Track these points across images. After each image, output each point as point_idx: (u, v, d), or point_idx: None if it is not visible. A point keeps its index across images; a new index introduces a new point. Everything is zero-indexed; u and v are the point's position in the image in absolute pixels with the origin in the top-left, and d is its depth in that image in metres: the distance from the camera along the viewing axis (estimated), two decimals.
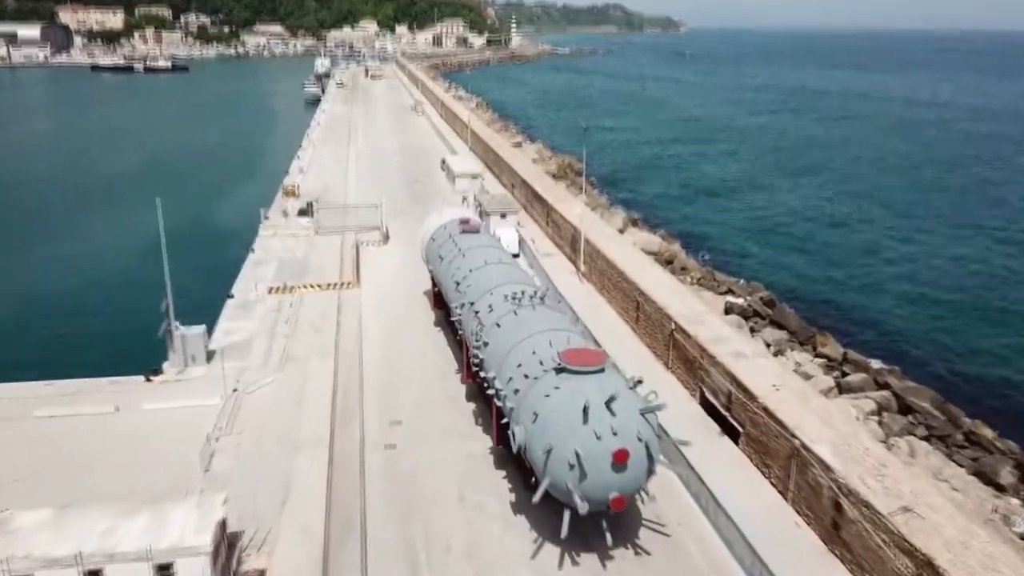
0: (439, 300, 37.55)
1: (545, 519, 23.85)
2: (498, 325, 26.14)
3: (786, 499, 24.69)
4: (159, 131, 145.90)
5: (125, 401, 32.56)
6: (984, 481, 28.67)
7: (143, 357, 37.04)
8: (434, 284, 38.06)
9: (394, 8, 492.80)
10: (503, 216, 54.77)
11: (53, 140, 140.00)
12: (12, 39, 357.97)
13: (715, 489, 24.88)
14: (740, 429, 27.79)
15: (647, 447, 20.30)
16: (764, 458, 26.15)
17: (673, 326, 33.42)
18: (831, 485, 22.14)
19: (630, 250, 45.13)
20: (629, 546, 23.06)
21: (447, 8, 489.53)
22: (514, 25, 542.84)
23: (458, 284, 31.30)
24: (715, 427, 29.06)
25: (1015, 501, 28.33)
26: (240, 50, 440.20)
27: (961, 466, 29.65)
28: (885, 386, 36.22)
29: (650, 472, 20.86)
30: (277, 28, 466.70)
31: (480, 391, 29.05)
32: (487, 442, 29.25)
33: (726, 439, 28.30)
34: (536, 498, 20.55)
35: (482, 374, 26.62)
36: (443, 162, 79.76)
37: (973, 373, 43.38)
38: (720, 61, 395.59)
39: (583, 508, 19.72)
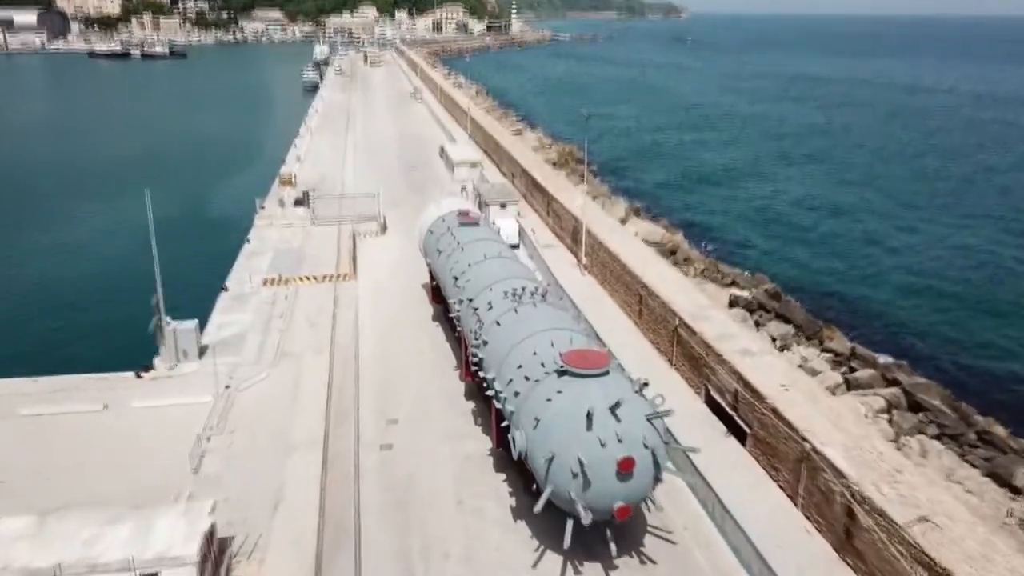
0: (437, 294, 36.60)
1: (546, 525, 23.02)
2: (498, 323, 25.20)
3: (795, 504, 23.84)
4: (154, 119, 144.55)
5: (114, 398, 31.69)
6: (999, 483, 27.81)
7: (134, 353, 36.15)
8: (432, 278, 37.10)
9: None
10: (503, 206, 53.79)
11: (45, 128, 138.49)
12: (8, 25, 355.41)
13: (722, 493, 24.02)
14: (747, 430, 26.91)
15: (654, 454, 19.39)
16: (772, 461, 25.28)
17: (677, 322, 32.50)
18: (843, 491, 21.27)
19: (633, 242, 44.15)
20: (634, 554, 22.22)
21: None
22: (514, 11, 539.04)
23: (456, 279, 30.33)
24: (721, 427, 28.18)
25: None
26: (238, 36, 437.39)
27: (974, 467, 28.77)
28: (894, 382, 35.30)
29: (656, 480, 19.96)
30: (276, 14, 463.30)
31: (479, 390, 28.16)
32: (486, 442, 28.38)
33: (732, 440, 27.43)
34: (538, 508, 19.67)
35: (481, 374, 25.71)
36: (442, 150, 78.65)
37: (983, 368, 42.47)
38: (721, 48, 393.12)
39: (587, 518, 18.85)
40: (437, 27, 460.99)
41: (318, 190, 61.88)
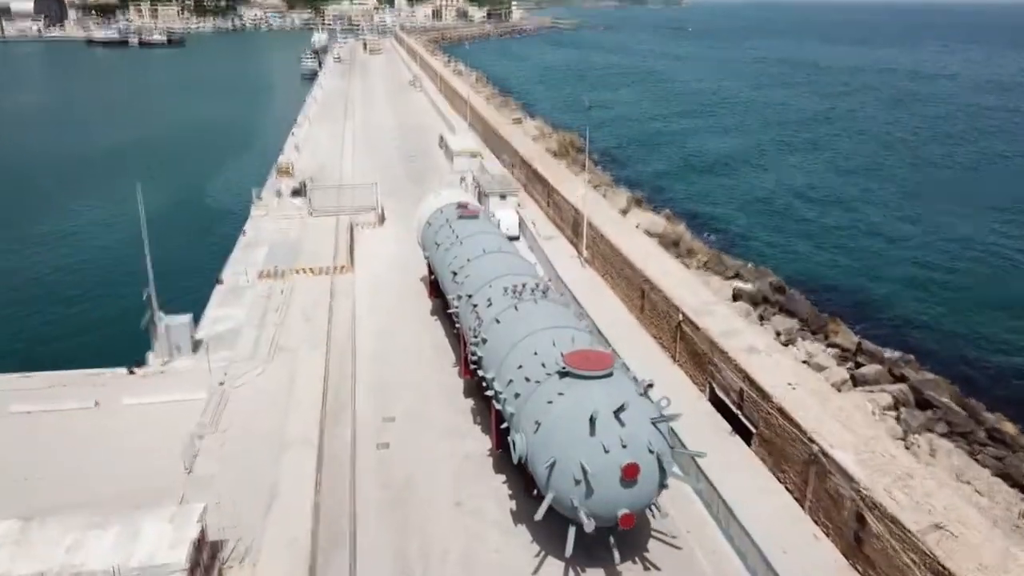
0: (436, 288, 35.86)
1: (547, 528, 22.30)
2: (497, 321, 24.47)
3: (803, 507, 23.19)
4: (151, 108, 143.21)
5: (106, 395, 31.03)
6: (1010, 483, 27.18)
7: (127, 348, 35.49)
8: (431, 272, 36.34)
9: None
10: (503, 197, 53.02)
11: (39, 118, 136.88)
12: (5, 12, 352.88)
13: (726, 495, 23.36)
14: (753, 429, 26.24)
15: (659, 460, 18.70)
16: (779, 462, 24.62)
17: (680, 317, 31.79)
18: (853, 496, 20.62)
19: (634, 234, 43.37)
20: (637, 560, 21.58)
21: None
22: None
23: (455, 274, 29.57)
24: (726, 426, 27.52)
25: None
26: (237, 23, 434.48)
27: (985, 466, 28.13)
28: (901, 378, 34.65)
29: (662, 486, 19.26)
30: (275, 0, 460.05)
31: (479, 388, 27.45)
32: (485, 441, 27.72)
33: (737, 439, 26.76)
34: (539, 515, 18.96)
35: (480, 372, 25.01)
36: (441, 140, 77.77)
37: (992, 362, 41.71)
38: (722, 35, 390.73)
39: (590, 526, 18.18)
40: (437, 15, 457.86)
41: (316, 180, 61.07)
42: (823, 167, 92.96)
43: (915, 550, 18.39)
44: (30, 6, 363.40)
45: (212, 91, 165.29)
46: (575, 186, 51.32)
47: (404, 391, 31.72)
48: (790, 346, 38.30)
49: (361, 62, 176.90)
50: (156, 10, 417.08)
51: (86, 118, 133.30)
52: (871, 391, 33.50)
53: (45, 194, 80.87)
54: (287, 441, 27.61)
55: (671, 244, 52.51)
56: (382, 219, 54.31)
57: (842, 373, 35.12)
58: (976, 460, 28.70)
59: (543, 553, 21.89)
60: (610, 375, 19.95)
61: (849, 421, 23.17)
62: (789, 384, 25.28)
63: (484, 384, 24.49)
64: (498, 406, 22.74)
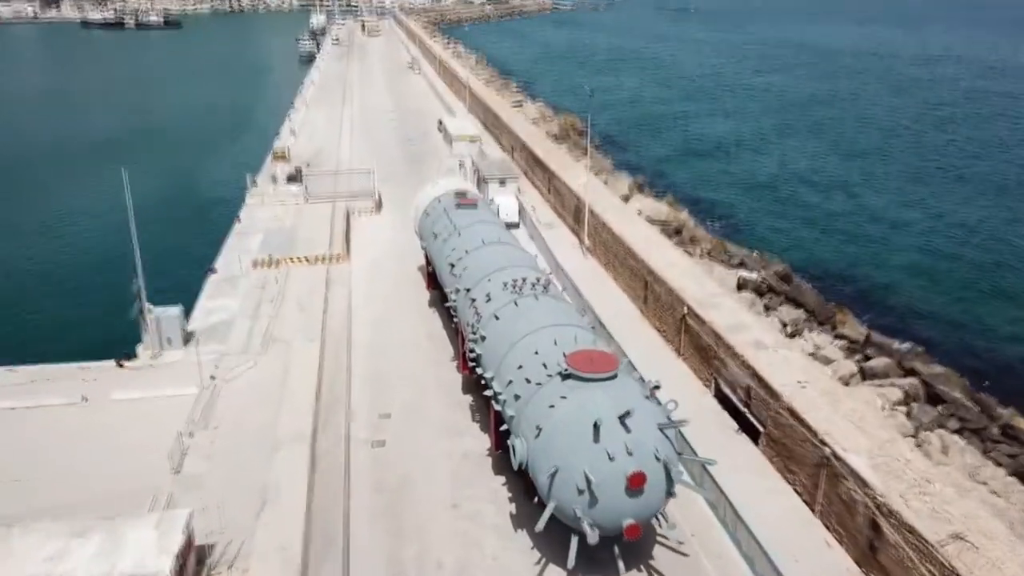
0: (433, 280, 34.85)
1: (548, 534, 21.37)
2: (496, 317, 23.51)
3: (813, 511, 22.35)
4: (146, 91, 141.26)
5: (94, 390, 30.18)
6: None
7: (116, 340, 34.55)
8: (428, 262, 35.31)
9: None
10: (502, 183, 51.90)
11: (29, 102, 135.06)
12: None
13: (733, 498, 22.50)
14: (760, 429, 25.37)
15: (666, 467, 17.78)
16: (788, 463, 23.76)
17: (685, 310, 30.84)
18: (867, 502, 19.76)
19: (637, 223, 42.34)
20: (643, 568, 20.74)
21: None
22: None
23: (453, 267, 28.58)
24: (732, 424, 26.66)
25: None
26: (235, 4, 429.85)
27: (999, 464, 27.30)
28: (911, 372, 33.76)
29: (669, 495, 18.35)
30: None
31: (477, 384, 26.51)
32: (484, 440, 26.85)
33: (744, 438, 25.91)
34: (540, 526, 18.02)
35: (479, 370, 24.08)
36: (440, 124, 76.51)
37: (1004, 355, 40.61)
38: (726, 16, 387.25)
39: (593, 537, 17.30)
40: None
41: (312, 165, 59.99)
42: (827, 151, 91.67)
43: (933, 562, 17.55)
44: None
45: (208, 74, 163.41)
46: (576, 172, 50.23)
47: (401, 386, 30.84)
48: (797, 337, 37.43)
49: (359, 44, 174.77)
50: None
51: (78, 102, 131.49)
52: (881, 385, 32.63)
53: (32, 180, 78.98)
54: (279, 439, 26.76)
55: (674, 232, 51.56)
56: (379, 206, 53.25)
57: (850, 366, 34.24)
58: (990, 458, 27.88)
59: (544, 560, 21.07)
60: (614, 377, 18.99)
61: (862, 422, 22.28)
62: (799, 382, 24.38)
63: (483, 382, 23.55)
64: (497, 407, 21.83)
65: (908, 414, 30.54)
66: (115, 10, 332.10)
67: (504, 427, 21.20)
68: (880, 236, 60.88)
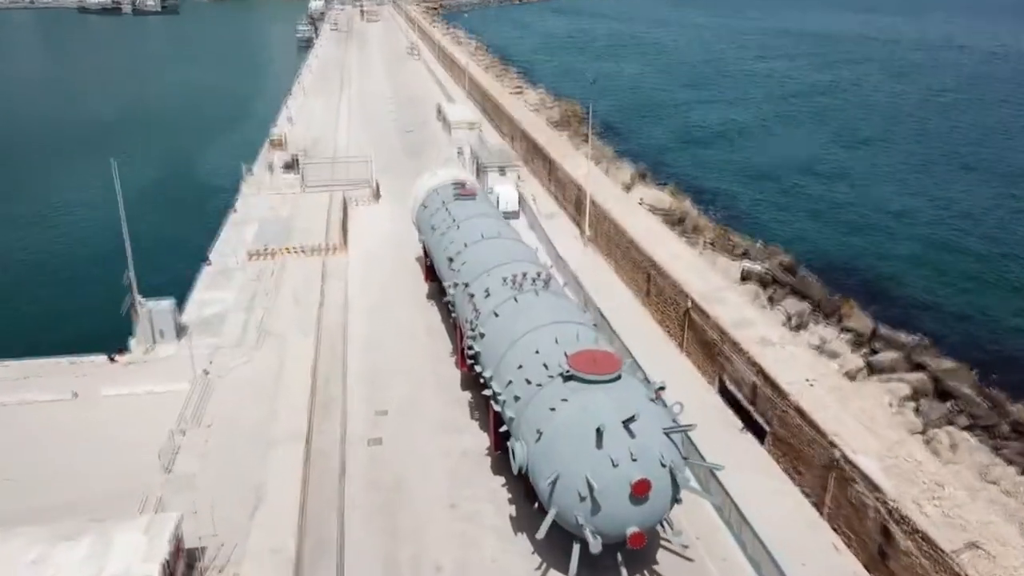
0: (432, 273, 34.10)
1: (549, 536, 20.66)
2: (496, 314, 22.81)
3: (821, 514, 21.76)
4: (142, 78, 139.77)
5: (85, 386, 29.54)
6: None
7: (109, 334, 33.81)
8: (426, 255, 34.56)
9: None
10: (502, 172, 51.18)
11: (24, 88, 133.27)
12: None
13: (739, 499, 21.86)
14: (766, 427, 24.74)
15: (672, 473, 17.11)
16: (795, 464, 23.15)
17: (689, 304, 30.16)
18: (878, 507, 19.14)
19: (639, 213, 41.60)
20: (647, 573, 20.13)
21: None
22: None
23: (451, 260, 27.86)
24: (736, 422, 26.03)
25: None
26: None
27: (1011, 463, 26.67)
28: (919, 366, 33.12)
29: (675, 501, 17.69)
30: None
31: (476, 381, 25.82)
32: (483, 438, 26.21)
33: (749, 437, 25.29)
34: (540, 533, 17.34)
35: (478, 368, 23.40)
36: (439, 110, 75.60)
37: (1012, 348, 39.88)
38: (727, 1, 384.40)
39: (596, 546, 16.66)
40: None
41: (309, 154, 59.14)
42: (830, 138, 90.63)
43: (948, 571, 16.94)
44: None
45: (205, 60, 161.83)
46: (577, 160, 49.44)
47: (398, 381, 30.18)
48: (802, 330, 36.75)
49: (358, 30, 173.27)
50: None
51: (72, 89, 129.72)
52: (889, 380, 31.99)
53: (24, 169, 77.52)
54: (274, 437, 26.16)
55: (676, 221, 50.80)
56: (377, 195, 52.47)
57: (857, 361, 33.62)
58: (1001, 456, 27.25)
59: (544, 566, 20.47)
60: (618, 378, 18.29)
61: (872, 423, 21.64)
62: (807, 380, 23.73)
63: (482, 380, 22.87)
64: (496, 407, 21.15)
65: (917, 410, 29.92)
66: None
67: (503, 428, 20.54)
68: (885, 225, 60.04)
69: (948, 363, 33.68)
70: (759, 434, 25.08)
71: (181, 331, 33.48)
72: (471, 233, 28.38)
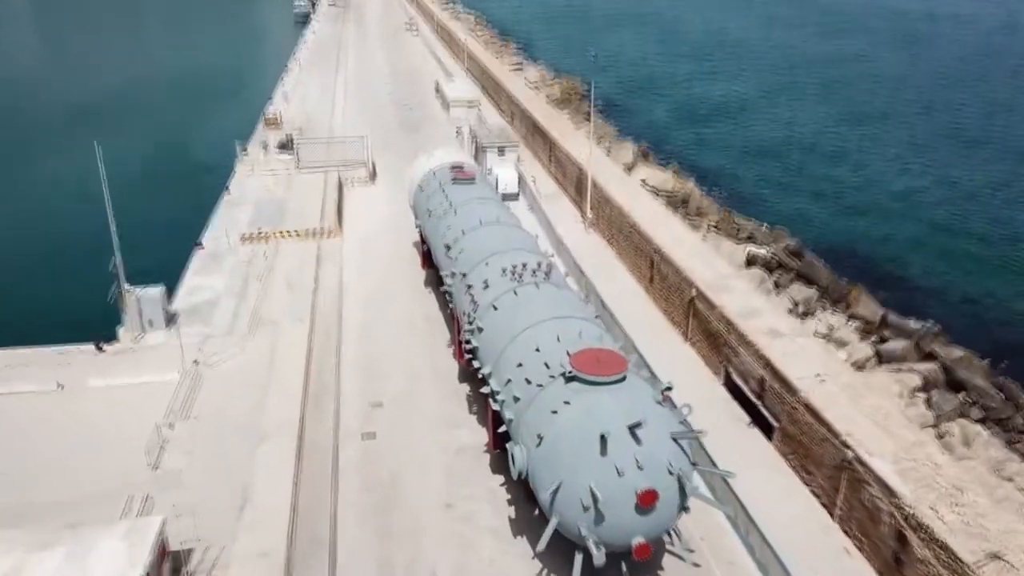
0: (429, 259, 33.01)
1: (550, 539, 20.05)
2: (494, 307, 21.83)
3: (832, 515, 20.93)
4: (131, 54, 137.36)
5: (71, 377, 28.71)
6: None
7: (98, 322, 32.77)
8: (423, 240, 33.47)
9: None
10: (501, 152, 49.87)
11: (7, 65, 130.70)
12: None
13: (745, 498, 21.01)
14: (774, 423, 23.85)
15: (680, 481, 16.18)
16: (805, 462, 22.28)
17: (694, 292, 29.17)
18: (894, 513, 18.27)
19: (642, 196, 40.53)
20: None
21: None
22: None
23: (448, 248, 26.82)
24: (743, 416, 25.15)
25: None
26: None
27: None
28: (930, 356, 32.15)
29: (682, 509, 16.77)
30: None
31: (475, 376, 24.84)
32: (481, 433, 25.35)
33: (757, 432, 24.44)
34: (541, 545, 16.40)
35: (476, 363, 22.45)
36: (437, 87, 74.12)
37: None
38: None
39: (600, 558, 15.77)
40: None
41: (304, 132, 57.85)
42: (836, 115, 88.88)
43: None
44: None
45: (199, 35, 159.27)
46: (578, 140, 48.21)
47: (393, 372, 29.30)
48: (809, 318, 35.75)
49: (356, 5, 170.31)
50: None
51: (58, 66, 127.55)
52: (899, 370, 31.05)
53: (3, 151, 75.66)
54: (265, 431, 25.32)
55: (680, 203, 49.54)
56: (373, 175, 51.29)
57: (866, 350, 32.64)
58: (1015, 451, 26.38)
59: (545, 572, 19.65)
60: (623, 380, 17.31)
61: (886, 421, 20.74)
62: (817, 376, 22.80)
63: (480, 376, 21.90)
64: (495, 406, 20.19)
65: (928, 402, 29.00)
66: None
67: (502, 429, 19.63)
68: (892, 205, 58.79)
69: (958, 351, 32.71)
70: (766, 429, 24.21)
71: (171, 319, 32.56)
72: (469, 219, 27.31)
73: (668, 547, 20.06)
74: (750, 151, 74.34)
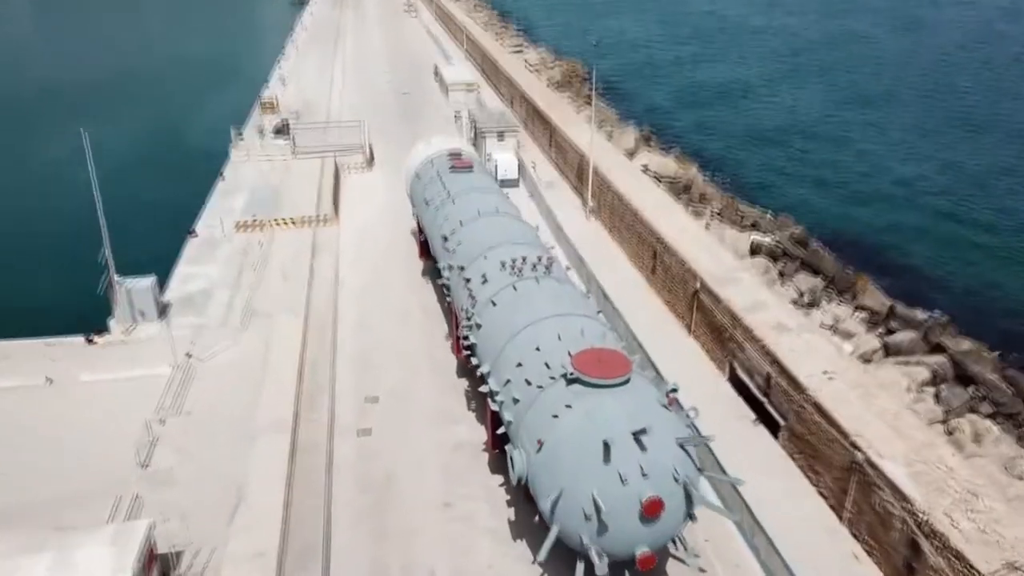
0: (426, 249, 32.24)
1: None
2: (493, 303, 21.11)
3: (840, 518, 20.33)
4: (125, 35, 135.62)
5: (60, 371, 28.06)
6: None
7: (89, 314, 32.08)
8: (420, 230, 32.69)
9: None
10: (501, 137, 48.97)
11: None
12: None
13: (751, 498, 20.38)
14: (781, 421, 23.21)
15: (686, 489, 15.53)
16: (812, 462, 21.66)
17: (698, 285, 28.44)
18: (906, 519, 17.65)
19: (644, 183, 39.67)
20: None
21: None
22: None
23: (446, 239, 26.08)
24: (748, 413, 24.52)
25: None
26: None
27: None
28: (938, 348, 31.50)
29: (689, 517, 16.13)
30: None
31: (474, 372, 24.14)
32: (480, 430, 24.71)
33: (762, 430, 23.81)
34: (542, 555, 15.73)
35: (474, 360, 21.76)
36: (436, 71, 73.03)
37: None
38: None
39: (602, 568, 15.13)
40: None
41: (301, 117, 56.92)
42: (839, 97, 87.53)
43: None
44: None
45: (193, 17, 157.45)
46: (579, 124, 47.32)
47: (390, 366, 28.64)
48: (814, 308, 35.09)
49: None
50: None
51: (48, 50, 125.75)
52: (906, 363, 30.42)
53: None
54: (258, 427, 24.72)
55: (682, 189, 48.86)
56: (371, 161, 50.43)
57: (873, 342, 32.02)
58: None
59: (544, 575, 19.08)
60: (627, 382, 16.61)
61: (897, 422, 20.09)
62: (825, 373, 22.11)
63: (479, 375, 21.21)
64: (494, 407, 19.50)
65: (937, 396, 28.41)
66: None
67: (501, 430, 18.97)
68: (898, 192, 57.85)
69: (967, 343, 32.05)
70: (772, 427, 23.58)
71: (163, 310, 31.90)
72: (467, 209, 26.53)
73: (672, 552, 19.50)
74: (753, 135, 73.34)
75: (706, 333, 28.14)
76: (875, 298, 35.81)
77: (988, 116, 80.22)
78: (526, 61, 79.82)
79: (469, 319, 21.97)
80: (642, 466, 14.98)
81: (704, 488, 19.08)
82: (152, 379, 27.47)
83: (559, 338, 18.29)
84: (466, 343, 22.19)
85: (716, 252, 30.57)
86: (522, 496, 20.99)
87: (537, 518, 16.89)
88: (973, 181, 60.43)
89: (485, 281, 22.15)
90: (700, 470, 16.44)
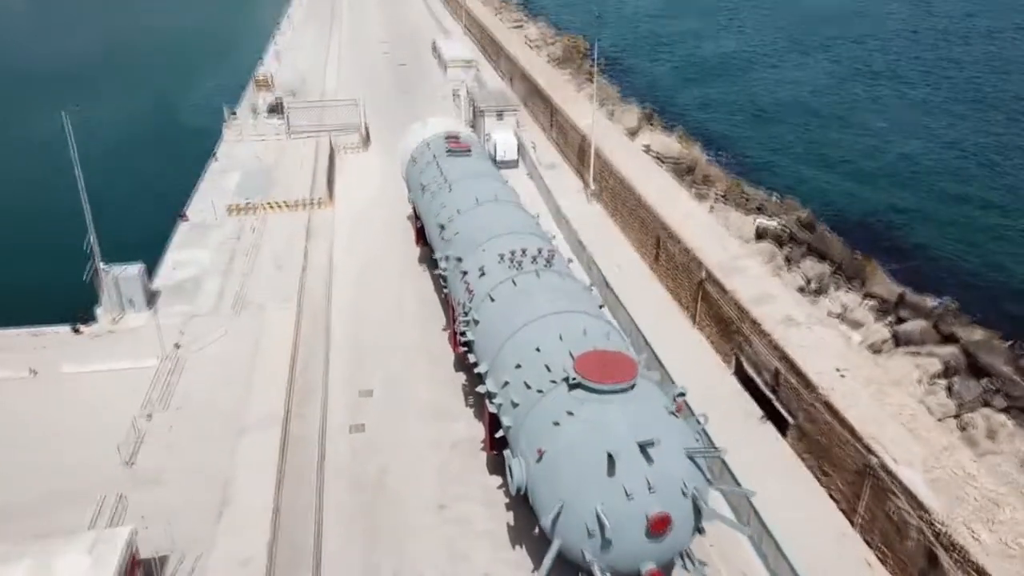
0: (423, 235, 31.17)
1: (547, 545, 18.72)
2: (491, 299, 20.14)
3: (852, 523, 19.53)
4: (114, 9, 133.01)
5: (45, 362, 27.22)
6: None
7: (77, 300, 31.06)
8: (417, 216, 31.62)
9: None
10: (500, 116, 47.75)
11: None
12: None
13: (758, 501, 19.49)
14: (790, 419, 22.35)
15: (695, 502, 14.65)
16: (822, 463, 20.83)
17: (704, 274, 27.47)
18: (923, 529, 16.82)
19: (647, 165, 38.55)
20: None
21: None
22: None
23: (443, 228, 25.06)
24: (756, 410, 23.66)
25: None
26: None
27: None
28: (950, 338, 30.56)
29: (697, 530, 15.27)
30: None
31: (472, 369, 23.18)
32: (477, 428, 23.86)
33: (770, 428, 22.98)
34: (543, 571, 14.84)
35: (472, 358, 20.83)
36: (434, 46, 71.48)
37: None
38: None
39: None
40: None
41: (296, 95, 55.62)
42: (846, 72, 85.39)
43: None
44: None
45: None
46: (581, 106, 46.03)
47: (385, 358, 27.74)
48: (822, 296, 34.08)
49: None
50: None
51: (31, 24, 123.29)
52: (917, 353, 29.49)
53: None
54: (247, 423, 23.97)
55: (686, 171, 47.55)
56: (367, 141, 49.21)
57: (882, 331, 31.06)
58: None
59: None
60: (632, 387, 15.68)
61: (914, 423, 19.22)
62: (837, 370, 21.22)
63: (476, 373, 20.28)
64: (492, 408, 18.58)
65: (949, 389, 27.51)
66: None
67: (500, 434, 18.08)
68: (907, 174, 56.50)
69: (979, 332, 31.10)
70: (781, 425, 22.73)
71: (152, 298, 30.97)
72: (465, 197, 25.45)
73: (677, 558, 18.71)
74: (758, 113, 71.82)
75: (711, 325, 27.22)
76: (884, 285, 34.80)
77: (1000, 94, 78.48)
78: (526, 37, 78.10)
79: (466, 314, 21.02)
80: (649, 480, 14.10)
81: (714, 498, 18.16)
82: (139, 371, 26.61)
83: (560, 338, 17.34)
84: (463, 339, 21.23)
85: (722, 239, 29.56)
86: (521, 500, 20.25)
87: (537, 529, 16.03)
88: (983, 159, 59.07)
89: (483, 274, 21.16)
90: (710, 482, 15.56)
